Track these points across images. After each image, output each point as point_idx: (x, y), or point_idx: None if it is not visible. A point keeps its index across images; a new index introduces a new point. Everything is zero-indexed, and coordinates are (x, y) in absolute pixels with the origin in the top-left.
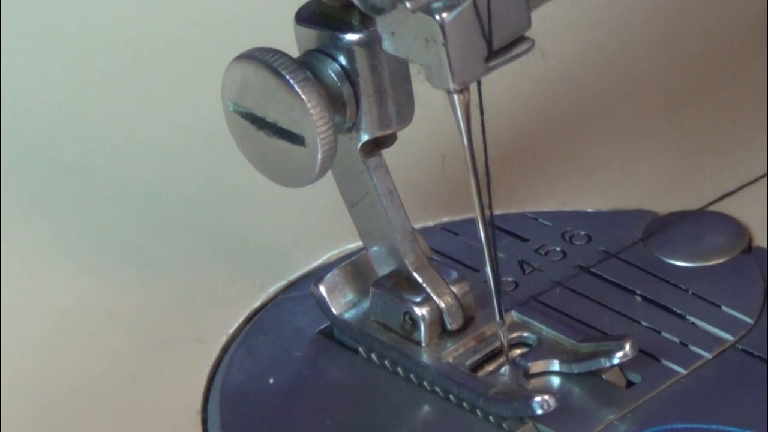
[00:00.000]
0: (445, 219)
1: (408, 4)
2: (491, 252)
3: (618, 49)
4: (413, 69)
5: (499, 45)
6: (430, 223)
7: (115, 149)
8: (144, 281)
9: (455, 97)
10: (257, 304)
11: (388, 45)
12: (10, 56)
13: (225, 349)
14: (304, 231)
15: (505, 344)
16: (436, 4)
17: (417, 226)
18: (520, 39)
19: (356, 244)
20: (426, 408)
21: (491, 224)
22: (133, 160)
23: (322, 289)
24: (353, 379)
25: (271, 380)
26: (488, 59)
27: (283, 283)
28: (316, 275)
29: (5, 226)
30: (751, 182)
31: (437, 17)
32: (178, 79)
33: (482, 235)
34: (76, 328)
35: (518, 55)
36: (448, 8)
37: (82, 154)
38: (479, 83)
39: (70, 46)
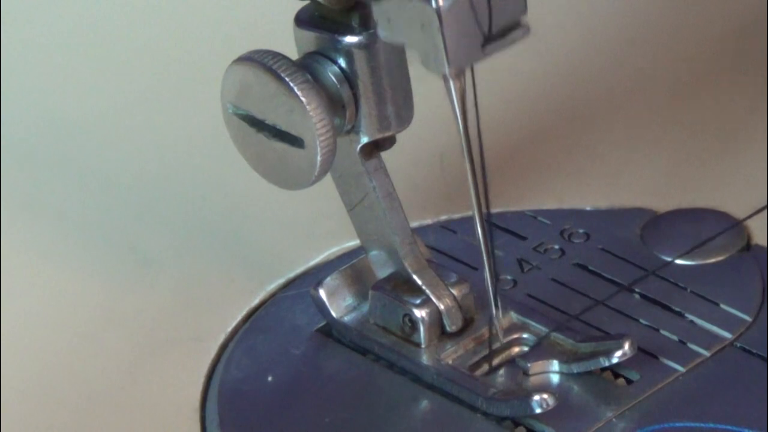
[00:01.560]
0: (444, 217)
1: None
2: (487, 244)
3: (617, 46)
4: (409, 54)
5: (495, 31)
6: (429, 221)
7: (115, 149)
8: (143, 280)
9: (450, 83)
10: (256, 302)
11: (383, 31)
12: (11, 56)
13: (223, 348)
14: (303, 229)
15: (500, 335)
16: None
17: (415, 224)
18: (516, 25)
19: (354, 242)
20: (425, 405)
21: (488, 220)
22: (133, 161)
23: (321, 292)
24: (351, 376)
25: (270, 378)
26: (484, 45)
27: (281, 281)
28: (315, 274)
29: (5, 226)
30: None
31: (433, 3)
32: (178, 81)
33: (478, 225)
34: (75, 327)
35: (514, 41)
36: None
37: (83, 154)
38: (474, 82)
39: (70, 47)
